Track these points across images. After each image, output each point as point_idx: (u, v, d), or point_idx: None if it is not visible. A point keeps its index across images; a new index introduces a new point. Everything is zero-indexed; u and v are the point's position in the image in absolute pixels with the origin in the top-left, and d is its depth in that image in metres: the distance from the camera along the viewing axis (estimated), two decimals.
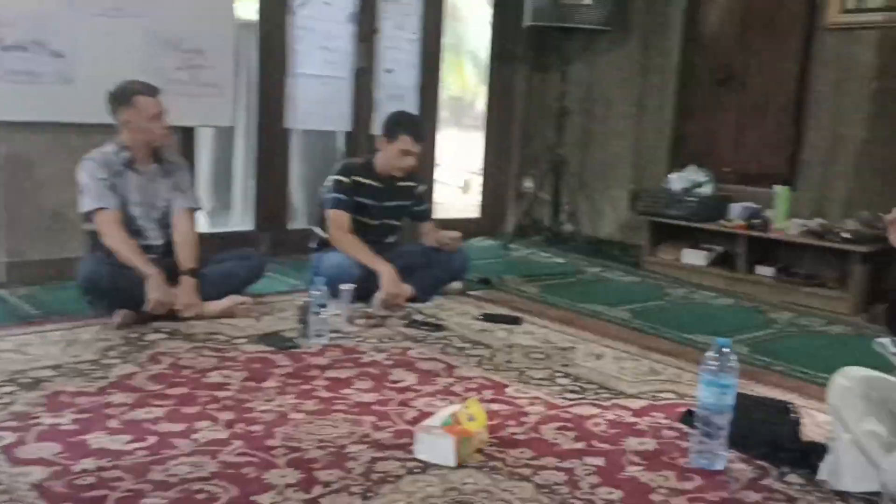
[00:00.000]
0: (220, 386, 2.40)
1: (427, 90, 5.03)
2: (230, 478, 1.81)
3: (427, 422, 2.04)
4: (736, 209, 4.40)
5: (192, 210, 3.26)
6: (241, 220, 4.69)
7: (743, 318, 3.70)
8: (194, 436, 2.03)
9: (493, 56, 5.53)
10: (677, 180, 4.58)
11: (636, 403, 2.44)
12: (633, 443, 2.14)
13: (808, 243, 4.07)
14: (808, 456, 2.04)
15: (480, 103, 6.45)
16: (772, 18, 4.49)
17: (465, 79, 7.94)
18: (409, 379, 2.56)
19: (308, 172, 4.77)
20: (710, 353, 1.99)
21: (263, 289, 3.49)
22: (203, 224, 4.08)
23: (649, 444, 2.14)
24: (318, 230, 3.58)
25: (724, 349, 1.98)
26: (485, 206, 5.68)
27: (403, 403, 2.34)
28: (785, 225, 4.18)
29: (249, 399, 2.30)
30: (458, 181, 7.38)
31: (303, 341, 2.85)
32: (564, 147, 5.15)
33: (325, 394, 2.38)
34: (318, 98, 4.54)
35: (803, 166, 4.35)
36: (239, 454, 1.94)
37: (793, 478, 1.98)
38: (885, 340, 1.72)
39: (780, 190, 4.25)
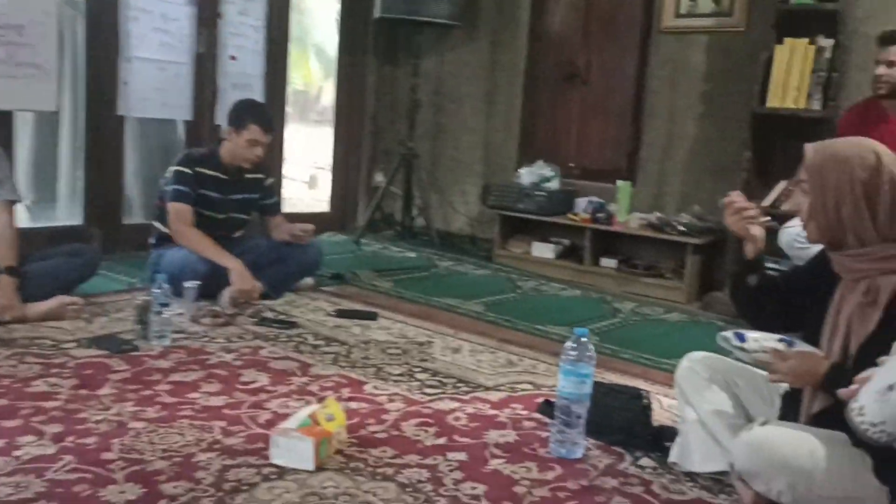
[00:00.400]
0: (47, 396, 2.17)
1: (273, 80, 4.84)
2: (60, 497, 1.63)
3: (283, 424, 1.94)
4: (581, 203, 4.55)
5: (10, 202, 2.94)
6: (68, 213, 4.31)
7: (590, 309, 3.82)
8: (16, 453, 1.82)
9: (342, 48, 5.42)
10: (526, 175, 4.68)
11: (495, 396, 2.45)
12: (494, 436, 2.14)
13: (647, 236, 4.28)
14: (659, 440, 2.12)
15: (326, 97, 6.32)
16: (612, 19, 4.67)
17: (310, 72, 7.76)
18: (262, 380, 2.43)
19: (145, 163, 4.46)
20: (568, 343, 2.01)
21: (96, 288, 3.24)
22: (23, 218, 3.72)
23: (510, 436, 2.15)
24: (158, 224, 3.36)
25: (582, 339, 2.00)
26: (335, 200, 5.55)
27: (256, 406, 2.22)
28: (627, 218, 4.37)
29: (81, 409, 2.10)
30: (303, 176, 7.20)
31: (142, 343, 2.66)
32: (416, 141, 5.13)
33: (168, 399, 2.21)
34: (155, 84, 4.24)
35: (642, 162, 4.56)
36: (70, 470, 1.75)
37: (646, 461, 2.04)
38: (728, 334, 1.80)
39: (621, 185, 4.44)
